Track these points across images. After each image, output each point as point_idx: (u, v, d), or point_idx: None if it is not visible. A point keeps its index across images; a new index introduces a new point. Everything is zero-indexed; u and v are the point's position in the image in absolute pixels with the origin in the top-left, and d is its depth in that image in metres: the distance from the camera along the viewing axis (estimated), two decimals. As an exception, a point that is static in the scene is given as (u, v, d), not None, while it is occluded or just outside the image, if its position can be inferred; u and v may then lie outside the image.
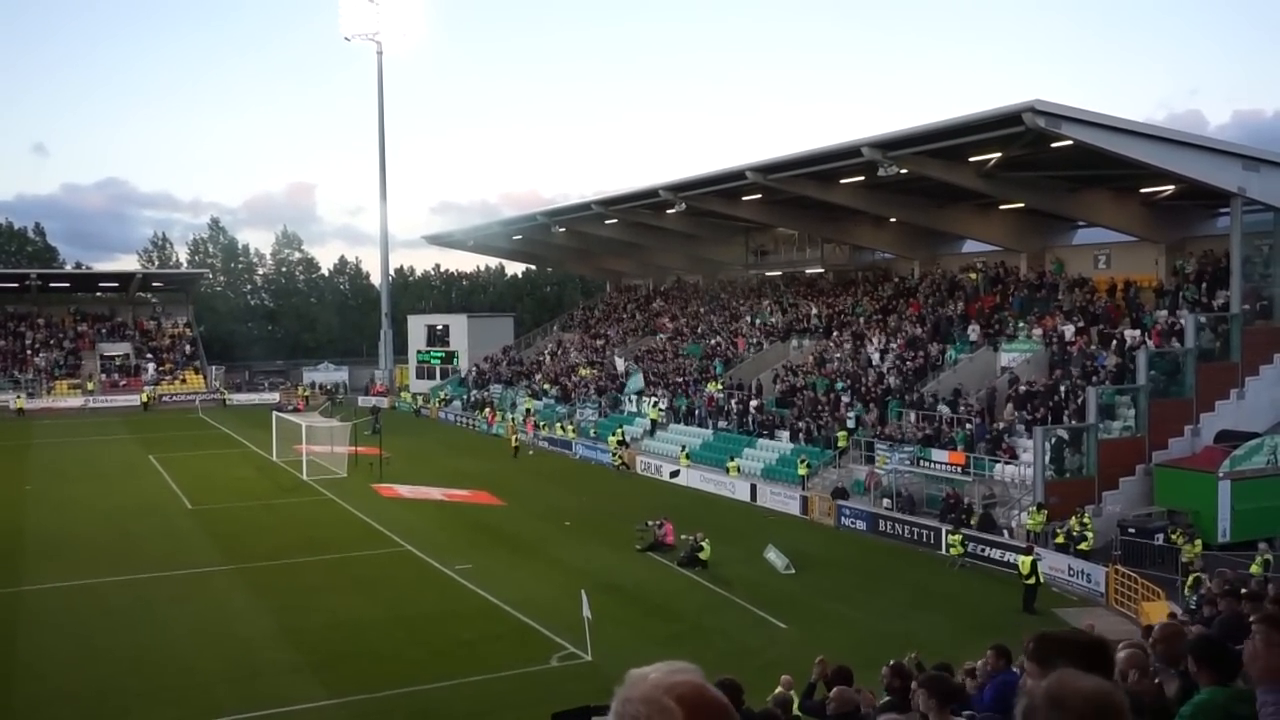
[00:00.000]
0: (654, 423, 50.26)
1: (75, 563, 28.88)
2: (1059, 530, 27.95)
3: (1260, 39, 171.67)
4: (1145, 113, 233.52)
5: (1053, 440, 30.78)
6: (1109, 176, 36.98)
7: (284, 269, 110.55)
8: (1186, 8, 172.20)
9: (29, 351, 78.72)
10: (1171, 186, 35.69)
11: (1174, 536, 26.72)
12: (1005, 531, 29.55)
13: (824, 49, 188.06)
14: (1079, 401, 32.46)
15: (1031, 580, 24.65)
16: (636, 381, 55.76)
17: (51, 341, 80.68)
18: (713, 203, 50.32)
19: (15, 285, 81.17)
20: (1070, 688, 2.48)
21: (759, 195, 47.49)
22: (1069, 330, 37.29)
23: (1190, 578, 23.18)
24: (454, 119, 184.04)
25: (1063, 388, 33.84)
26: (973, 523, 30.35)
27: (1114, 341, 35.13)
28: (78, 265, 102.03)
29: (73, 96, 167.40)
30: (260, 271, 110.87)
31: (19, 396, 71.37)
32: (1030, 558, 24.86)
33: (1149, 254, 39.62)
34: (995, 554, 28.53)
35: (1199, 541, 26.63)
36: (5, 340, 79.47)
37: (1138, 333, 35.05)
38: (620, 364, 59.79)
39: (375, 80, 79.99)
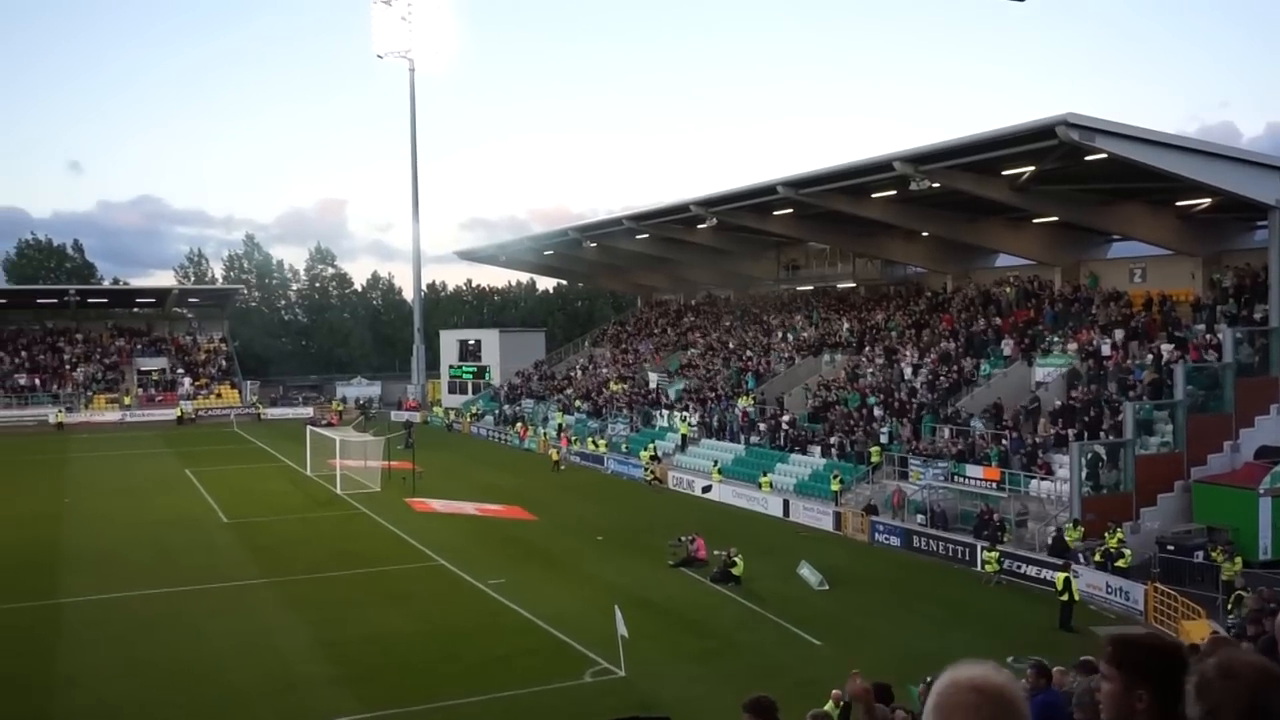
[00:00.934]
0: (685, 438, 50.24)
1: (113, 575, 29.22)
2: (1097, 549, 27.65)
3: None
4: (1176, 125, 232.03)
5: (1089, 456, 30.49)
6: (1144, 189, 36.68)
7: (317, 285, 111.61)
8: (1214, 20, 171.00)
9: (68, 366, 79.83)
10: (1208, 199, 35.37)
11: (1214, 554, 26.36)
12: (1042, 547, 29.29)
13: (853, 63, 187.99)
14: (1116, 417, 32.15)
15: (1066, 597, 24.40)
16: (674, 390, 55.85)
17: (90, 357, 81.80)
18: (744, 217, 50.34)
19: (54, 301, 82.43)
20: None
21: (790, 210, 47.46)
22: (1105, 345, 36.96)
23: (1232, 596, 22.87)
24: (483, 135, 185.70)
25: (1101, 403, 33.53)
26: (1007, 539, 30.10)
27: (1151, 356, 34.78)
28: (115, 281, 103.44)
29: (107, 114, 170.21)
30: (294, 287, 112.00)
31: (58, 411, 72.40)
32: (1065, 574, 24.62)
33: (1185, 267, 39.21)
34: (1031, 571, 28.25)
35: (1239, 559, 26.26)
36: (45, 355, 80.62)
37: (1174, 347, 34.68)
38: (654, 378, 59.85)
39: (405, 97, 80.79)
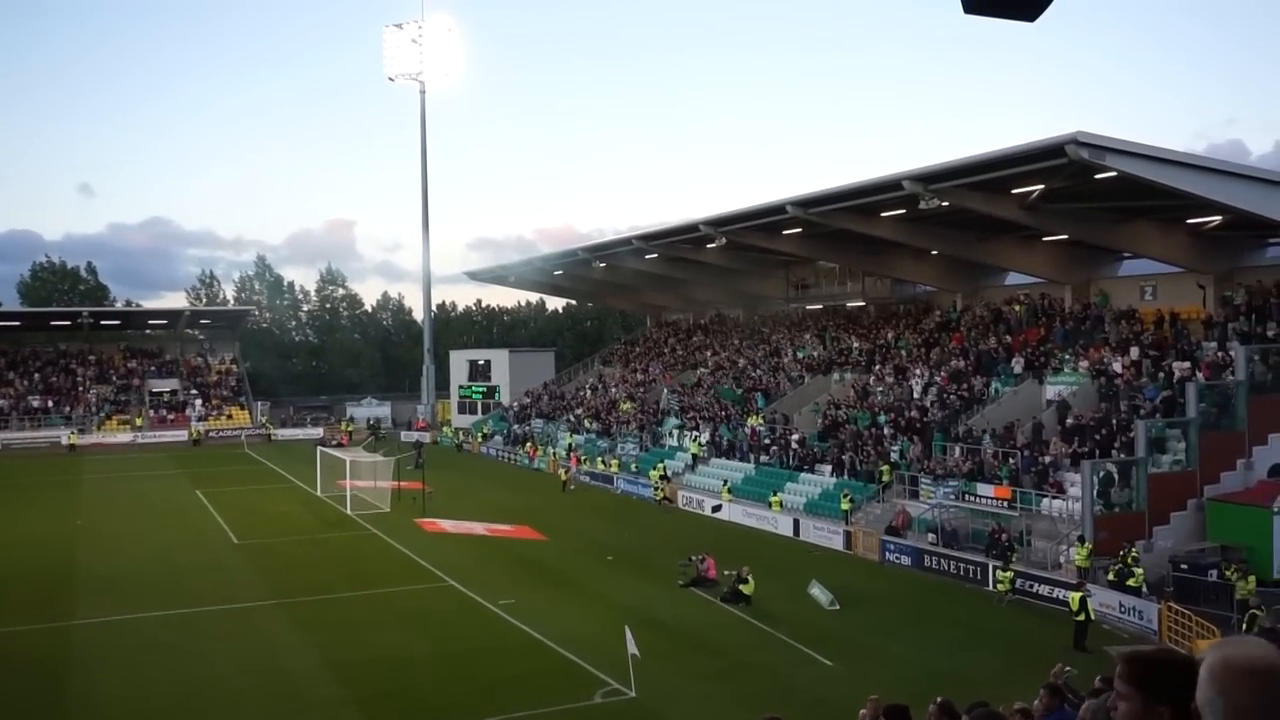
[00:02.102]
0: (695, 457, 50.18)
1: (125, 597, 29.25)
2: (1110, 567, 27.49)
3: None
4: (1183, 143, 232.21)
5: (1101, 474, 30.34)
6: (1154, 207, 36.61)
7: (328, 305, 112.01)
8: (1221, 38, 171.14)
9: (80, 388, 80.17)
10: (1218, 217, 35.27)
11: (1229, 573, 26.17)
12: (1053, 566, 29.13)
13: (860, 82, 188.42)
14: (1128, 435, 32.01)
15: (1081, 617, 24.24)
16: (674, 415, 55.87)
17: (102, 378, 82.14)
18: (753, 237, 50.39)
19: (68, 323, 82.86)
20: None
21: (799, 229, 47.50)
22: (1116, 363, 36.85)
23: (1246, 615, 22.69)
24: (489, 154, 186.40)
25: (1113, 421, 33.40)
26: (1015, 559, 29.91)
27: (1162, 374, 34.65)
28: (128, 303, 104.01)
29: (117, 136, 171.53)
30: (305, 308, 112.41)
31: (71, 433, 72.67)
32: (1079, 594, 24.47)
33: (1196, 284, 39.10)
34: (1044, 590, 28.09)
35: (1253, 578, 26.06)
36: (57, 377, 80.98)
37: (1187, 364, 34.55)
38: (665, 395, 59.80)
39: (411, 118, 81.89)
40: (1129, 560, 27.17)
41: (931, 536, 33.89)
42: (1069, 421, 35.15)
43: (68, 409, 77.08)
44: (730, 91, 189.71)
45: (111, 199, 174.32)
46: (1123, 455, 31.44)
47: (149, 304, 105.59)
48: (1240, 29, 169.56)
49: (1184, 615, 23.97)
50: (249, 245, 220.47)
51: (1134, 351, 36.99)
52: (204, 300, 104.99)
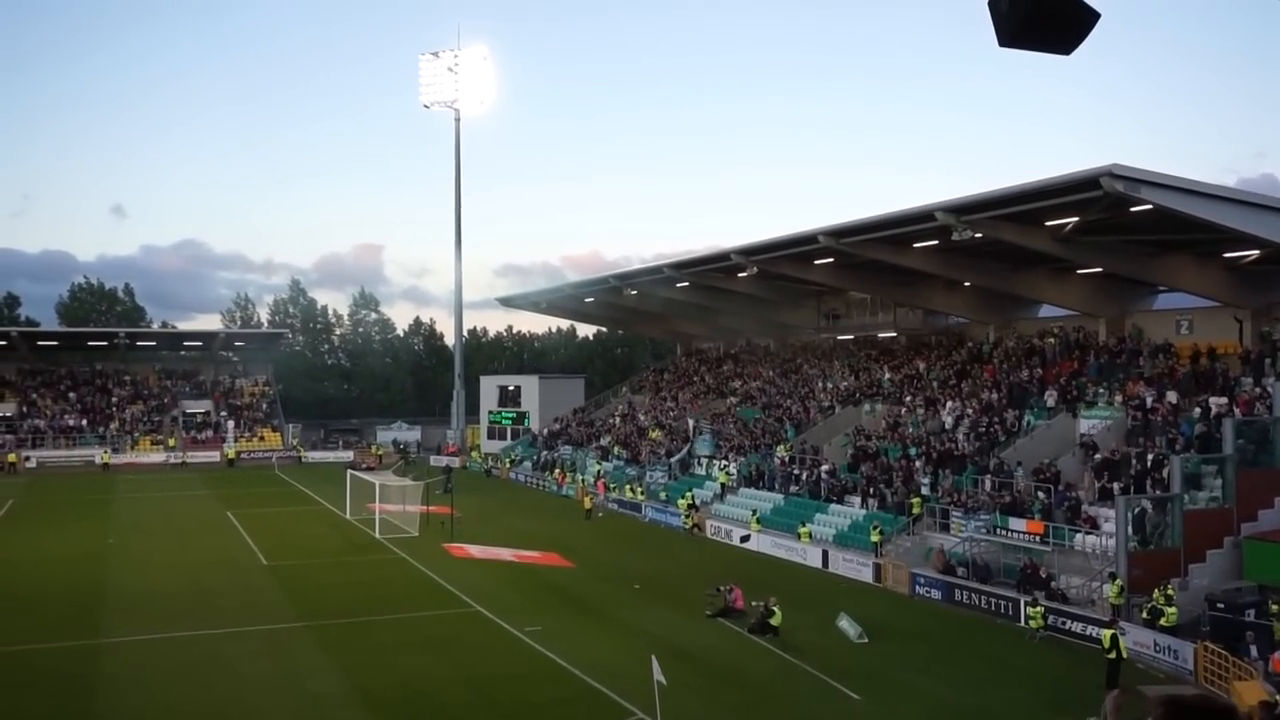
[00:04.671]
0: (724, 486, 49.99)
1: (154, 616, 29.43)
2: (1145, 606, 27.06)
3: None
4: (1213, 177, 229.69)
5: (1136, 510, 29.91)
6: (1190, 241, 36.30)
7: (360, 329, 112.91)
8: (1248, 70, 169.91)
9: (115, 408, 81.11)
10: (1256, 251, 34.90)
11: (1273, 608, 25.55)
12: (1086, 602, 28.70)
13: (889, 113, 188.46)
14: (1163, 471, 31.58)
15: (1114, 655, 23.83)
16: (705, 444, 55.72)
17: (137, 398, 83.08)
18: (784, 266, 50.40)
19: (104, 343, 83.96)
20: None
21: (831, 259, 47.45)
22: (1150, 397, 36.43)
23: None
24: (516, 181, 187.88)
25: (1148, 456, 32.97)
26: (1049, 592, 29.51)
27: (1198, 409, 34.21)
28: (163, 324, 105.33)
29: (151, 159, 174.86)
30: (338, 332, 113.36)
31: (104, 452, 73.49)
32: (1112, 631, 24.08)
33: (1233, 319, 38.65)
34: (1077, 627, 27.69)
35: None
36: (93, 397, 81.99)
37: (1224, 400, 34.09)
38: (691, 424, 59.63)
39: (440, 144, 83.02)
40: (1162, 599, 26.73)
41: (962, 570, 33.51)
42: (1102, 456, 34.75)
43: (102, 428, 77.98)
44: (761, 121, 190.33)
45: (144, 221, 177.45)
46: (1158, 491, 31.01)
47: (182, 325, 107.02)
48: (1269, 60, 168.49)
49: (1220, 655, 23.54)
50: (279, 269, 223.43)
51: (1169, 387, 36.55)
52: (238, 322, 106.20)
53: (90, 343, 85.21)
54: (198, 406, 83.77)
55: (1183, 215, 30.88)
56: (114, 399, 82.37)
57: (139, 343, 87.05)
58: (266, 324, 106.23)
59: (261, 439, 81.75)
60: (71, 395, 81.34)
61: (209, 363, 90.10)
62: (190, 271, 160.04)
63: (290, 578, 35.45)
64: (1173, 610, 26.30)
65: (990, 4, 5.36)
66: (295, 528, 46.38)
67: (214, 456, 76.80)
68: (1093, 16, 5.33)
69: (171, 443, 77.61)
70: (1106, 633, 24.20)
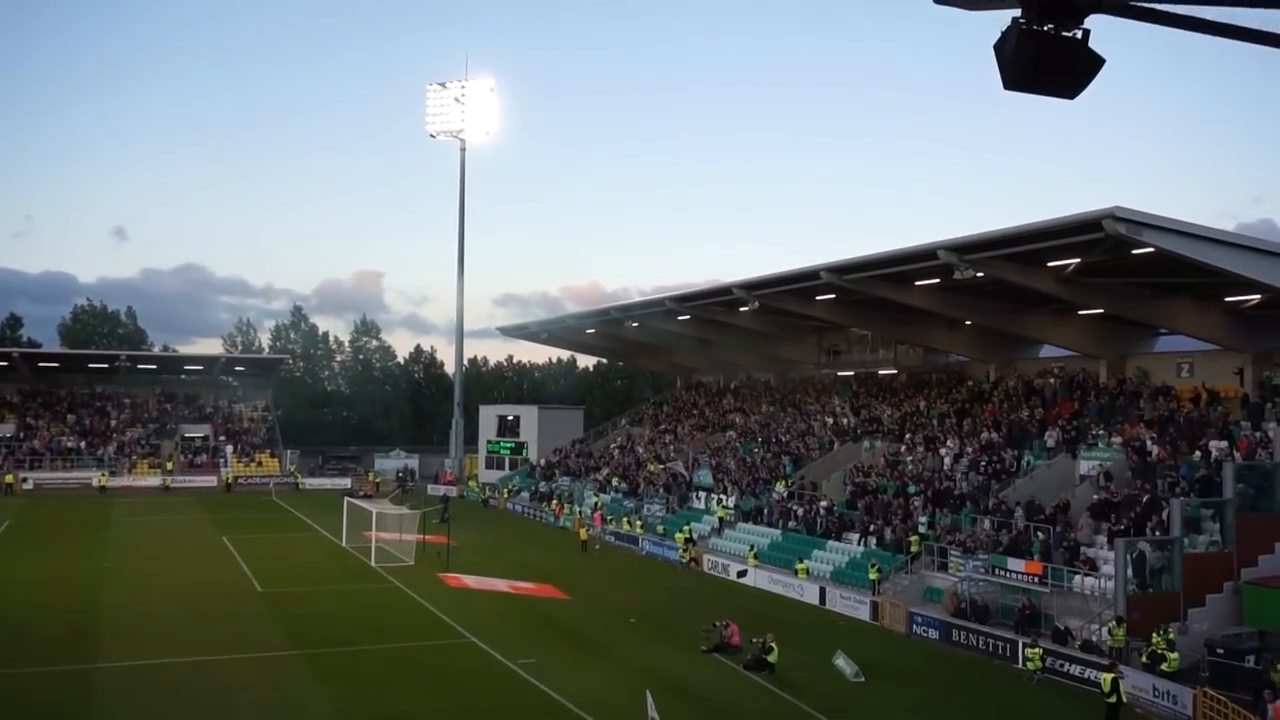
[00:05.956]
0: (722, 521, 49.82)
1: (148, 642, 29.27)
2: (1143, 650, 26.88)
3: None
4: (1210, 221, 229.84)
5: (1135, 553, 29.79)
6: (1191, 284, 36.40)
7: (361, 356, 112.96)
8: (1244, 115, 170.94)
9: (113, 430, 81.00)
10: (1257, 295, 34.98)
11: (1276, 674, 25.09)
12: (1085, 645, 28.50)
13: (892, 149, 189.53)
14: (1162, 514, 31.49)
15: (1113, 699, 23.66)
16: (705, 476, 55.64)
17: (136, 421, 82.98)
18: (786, 301, 50.50)
19: (105, 366, 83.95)
20: None
21: (833, 295, 47.55)
22: (1150, 439, 36.37)
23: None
24: (516, 210, 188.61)
25: (1145, 499, 32.89)
26: (1041, 641, 29.30)
27: (1199, 453, 34.15)
28: (165, 348, 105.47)
29: (153, 182, 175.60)
30: (339, 358, 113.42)
31: (102, 474, 73.30)
32: (1111, 675, 23.92)
33: (1234, 363, 38.68)
34: (1075, 670, 27.50)
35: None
36: (91, 419, 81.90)
37: (1224, 444, 34.05)
38: (681, 466, 59.46)
39: (442, 173, 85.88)
40: (1162, 644, 26.55)
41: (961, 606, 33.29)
42: (1099, 497, 34.68)
43: (100, 451, 77.84)
44: (763, 156, 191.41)
45: (145, 244, 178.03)
46: (1157, 534, 30.91)
47: (182, 349, 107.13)
48: (1264, 105, 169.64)
49: (1220, 701, 23.35)
50: (279, 294, 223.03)
51: (1170, 429, 36.51)
52: (239, 347, 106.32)
53: (91, 365, 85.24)
54: (197, 430, 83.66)
55: (1184, 259, 30.97)
56: (113, 421, 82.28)
57: (139, 365, 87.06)
58: (267, 349, 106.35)
59: (259, 464, 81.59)
60: (70, 417, 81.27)
61: (209, 387, 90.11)
62: (191, 295, 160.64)
63: (285, 605, 35.27)
64: (1174, 656, 26.12)
65: (996, 47, 5.41)
66: (291, 554, 46.19)
67: (211, 481, 76.59)
68: (1097, 62, 5.38)
69: (170, 466, 77.38)
70: (1107, 676, 24.03)
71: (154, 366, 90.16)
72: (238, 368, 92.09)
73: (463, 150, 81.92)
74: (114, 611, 33.36)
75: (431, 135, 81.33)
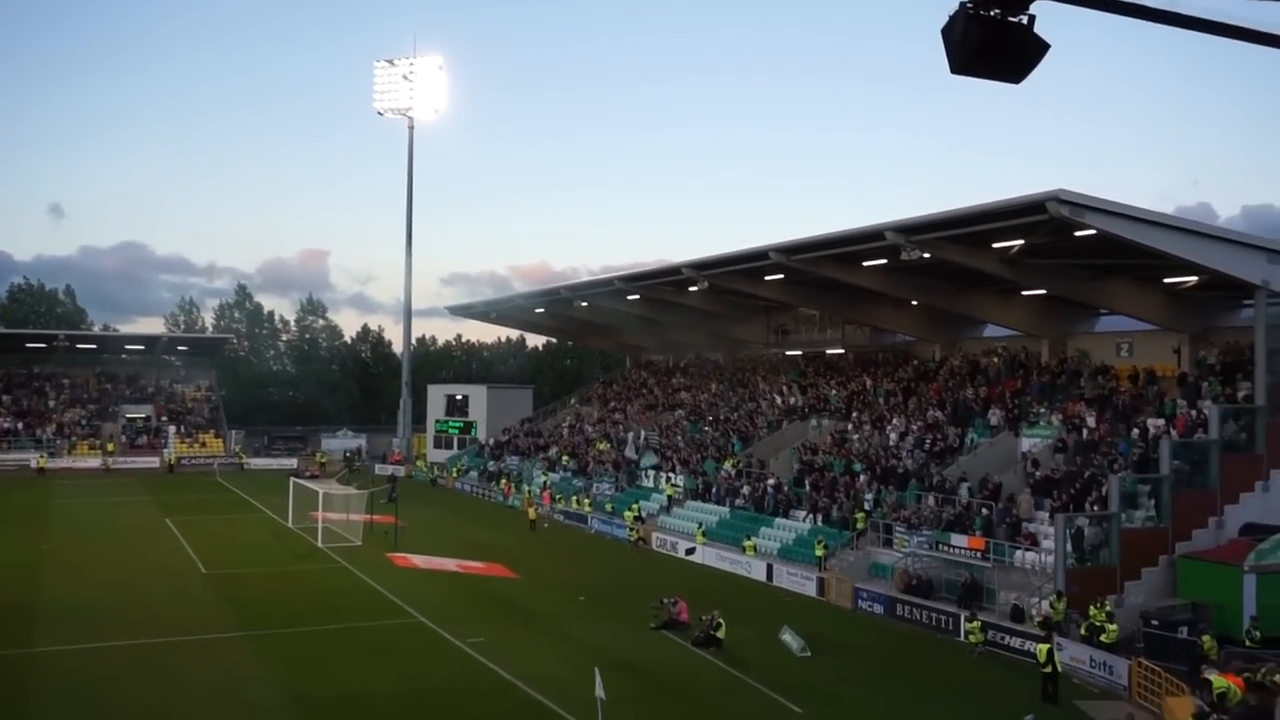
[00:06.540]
0: (670, 499, 50.07)
1: (90, 625, 28.84)
2: (1080, 621, 27.54)
3: (1258, 133, 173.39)
4: (1150, 203, 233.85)
5: (1074, 529, 30.45)
6: (1132, 266, 37.10)
7: (307, 336, 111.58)
8: (1183, 98, 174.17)
9: (52, 411, 79.35)
10: (1194, 277, 35.76)
11: (1205, 644, 25.74)
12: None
13: (838, 130, 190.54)
14: (1101, 490, 32.19)
15: (1049, 669, 24.23)
16: (650, 458, 55.86)
17: (76, 402, 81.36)
18: (735, 282, 50.71)
19: (43, 345, 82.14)
20: None
21: (781, 275, 47.81)
22: (1090, 417, 37.11)
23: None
24: (464, 189, 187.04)
25: (1085, 475, 33.59)
26: (980, 613, 29.87)
27: (1136, 430, 34.91)
28: (105, 327, 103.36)
29: (91, 157, 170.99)
30: (284, 338, 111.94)
31: (40, 456, 71.84)
32: (1047, 646, 24.48)
33: (1171, 343, 39.54)
34: (1015, 642, 28.11)
35: (1208, 637, 26.02)
36: (29, 399, 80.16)
37: (1161, 421, 34.84)
38: (630, 446, 59.57)
39: (388, 151, 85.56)
40: (1100, 616, 27.20)
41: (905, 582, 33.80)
42: (1042, 474, 35.35)
43: (38, 432, 76.26)
44: (712, 137, 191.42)
45: (83, 221, 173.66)
46: (1096, 510, 31.60)
47: (122, 328, 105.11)
48: (1203, 88, 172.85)
49: (1154, 671, 24.00)
50: (222, 273, 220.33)
51: (1101, 409, 37.28)
52: (183, 327, 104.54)
53: (29, 344, 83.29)
54: (138, 411, 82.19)
55: (1125, 241, 31.54)
56: (51, 402, 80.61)
57: (79, 345, 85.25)
58: (211, 329, 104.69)
59: (203, 445, 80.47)
60: (6, 398, 79.48)
61: (150, 367, 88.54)
62: (131, 273, 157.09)
63: (230, 586, 34.91)
64: (1114, 628, 26.77)
65: (944, 32, 5.48)
66: (236, 535, 45.69)
67: (154, 462, 75.42)
68: (1042, 47, 5.48)
69: (110, 448, 76.04)
70: (1042, 647, 24.61)
71: (94, 346, 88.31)
72: (180, 347, 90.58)
73: (411, 128, 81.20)
74: (54, 595, 32.80)
75: (379, 113, 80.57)
